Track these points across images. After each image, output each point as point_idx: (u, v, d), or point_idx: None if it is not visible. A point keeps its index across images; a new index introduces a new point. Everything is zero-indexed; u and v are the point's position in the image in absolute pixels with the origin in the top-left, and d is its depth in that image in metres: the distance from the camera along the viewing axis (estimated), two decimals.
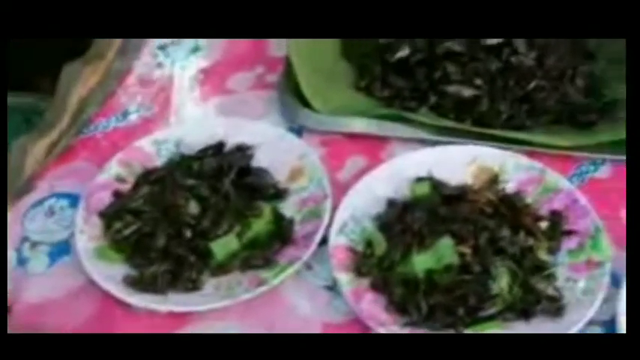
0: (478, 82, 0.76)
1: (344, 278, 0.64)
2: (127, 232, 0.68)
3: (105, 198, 0.72)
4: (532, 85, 0.75)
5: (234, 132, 0.76)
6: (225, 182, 0.71)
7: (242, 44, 0.89)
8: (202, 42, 0.89)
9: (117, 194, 0.71)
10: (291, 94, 0.79)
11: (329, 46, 0.83)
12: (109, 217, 0.69)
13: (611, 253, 0.64)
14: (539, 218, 0.67)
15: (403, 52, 0.79)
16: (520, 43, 0.76)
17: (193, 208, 0.69)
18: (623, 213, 0.69)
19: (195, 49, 0.88)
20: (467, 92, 0.76)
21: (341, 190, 0.71)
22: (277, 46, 0.87)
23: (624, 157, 0.71)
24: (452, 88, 0.76)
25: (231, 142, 0.75)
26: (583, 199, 0.67)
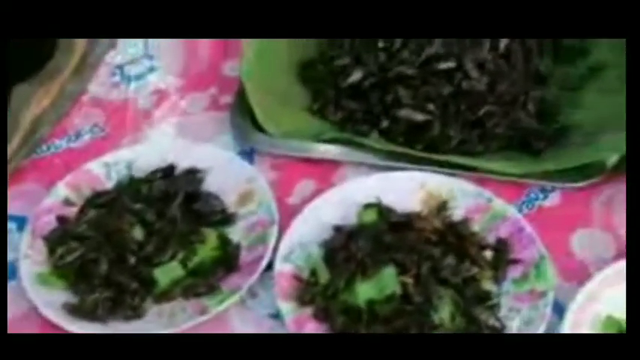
0: (430, 106, 0.75)
1: (287, 307, 0.63)
2: (70, 258, 0.67)
3: (51, 222, 0.71)
4: (483, 110, 0.75)
5: (185, 155, 0.75)
6: (172, 207, 0.70)
7: (197, 64, 0.88)
8: (158, 62, 0.88)
9: (61, 219, 0.70)
10: (244, 117, 0.79)
11: (283, 69, 0.83)
12: (53, 242, 0.69)
13: (555, 283, 0.64)
14: (484, 247, 0.66)
15: (356, 76, 0.78)
16: (471, 68, 0.76)
17: (138, 233, 0.68)
18: (570, 241, 0.69)
19: (151, 69, 0.88)
20: (418, 117, 0.75)
21: (290, 214, 0.70)
22: (231, 67, 0.87)
23: (573, 185, 0.71)
24: (403, 113, 0.75)
25: (182, 165, 0.75)
26: (529, 228, 0.67)
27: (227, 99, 0.83)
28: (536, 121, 0.75)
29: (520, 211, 0.71)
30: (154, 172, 0.74)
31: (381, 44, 0.79)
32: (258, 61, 0.82)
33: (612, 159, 0.70)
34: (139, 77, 0.87)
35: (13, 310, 0.67)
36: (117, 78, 0.87)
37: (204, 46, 0.90)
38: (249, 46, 0.83)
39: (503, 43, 0.78)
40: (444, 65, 0.76)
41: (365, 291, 0.62)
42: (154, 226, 0.68)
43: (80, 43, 0.87)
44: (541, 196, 0.72)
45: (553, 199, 0.72)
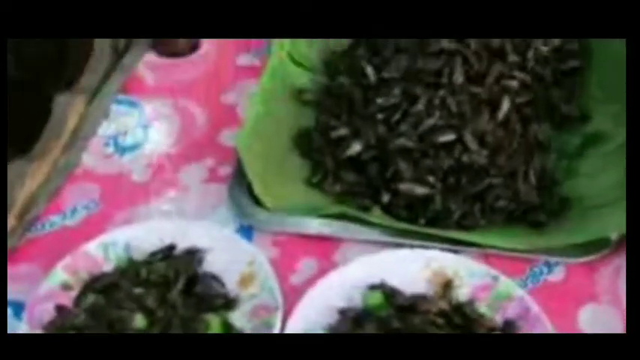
0: (431, 179, 0.75)
1: None
2: None
3: (49, 310, 0.69)
4: (484, 183, 0.74)
5: (183, 234, 0.74)
6: (173, 293, 0.69)
7: (194, 133, 0.88)
8: (153, 131, 0.88)
9: (60, 309, 0.69)
10: (242, 190, 0.78)
11: (280, 139, 0.82)
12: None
13: None
14: (492, 329, 0.66)
15: (355, 148, 0.78)
16: (471, 141, 0.75)
17: (139, 322, 0.67)
18: (578, 316, 0.69)
19: (146, 139, 0.87)
20: (420, 190, 0.75)
21: (294, 295, 0.69)
22: (228, 136, 0.86)
23: (577, 260, 0.71)
24: (404, 186, 0.75)
25: (181, 244, 0.74)
26: (535, 307, 0.66)
27: (226, 170, 0.82)
28: (537, 192, 0.75)
29: (525, 285, 0.70)
30: (153, 254, 0.73)
31: (380, 116, 0.79)
32: (255, 129, 0.81)
33: (615, 232, 0.70)
34: (134, 148, 0.86)
35: None
36: (110, 149, 0.86)
37: (201, 113, 0.90)
38: (245, 113, 0.82)
39: (501, 112, 0.78)
40: (443, 138, 0.76)
41: None
42: (156, 314, 0.67)
43: (72, 116, 0.86)
44: (546, 270, 0.72)
45: (559, 273, 0.72)
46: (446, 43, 0.81)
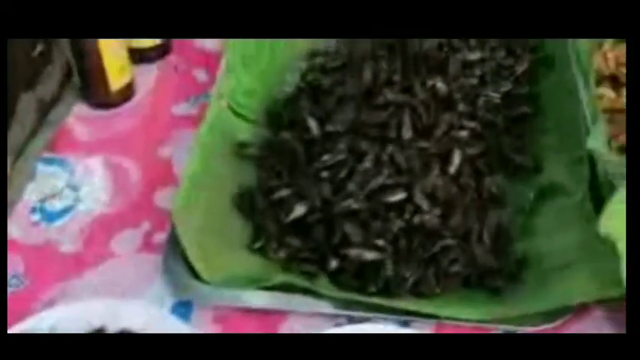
0: (380, 243, 0.70)
1: None
2: None
3: None
4: (438, 246, 0.70)
5: (114, 314, 0.68)
6: None
7: (128, 193, 0.82)
8: (84, 193, 0.82)
9: None
10: (179, 261, 0.72)
11: (219, 203, 0.76)
12: None
13: None
14: None
15: (299, 211, 0.73)
16: (421, 199, 0.71)
17: None
18: None
19: (76, 203, 0.81)
20: (369, 255, 0.70)
21: None
22: (165, 196, 0.80)
23: (535, 328, 0.66)
24: (353, 252, 0.70)
25: (112, 326, 0.67)
26: None
27: (162, 236, 0.76)
28: (493, 254, 0.71)
29: None
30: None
31: (324, 174, 0.74)
32: (191, 190, 0.75)
33: (578, 300, 0.66)
34: (62, 214, 0.80)
35: None
36: (37, 217, 0.80)
37: (135, 169, 0.84)
38: (182, 170, 0.76)
39: (453, 165, 0.74)
40: (393, 197, 0.71)
41: None
42: None
43: None
44: None
45: None
46: (392, 95, 0.76)
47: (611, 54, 0.84)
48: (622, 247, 0.61)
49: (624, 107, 0.80)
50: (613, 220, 0.62)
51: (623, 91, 0.80)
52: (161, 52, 0.97)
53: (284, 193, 0.75)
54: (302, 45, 0.92)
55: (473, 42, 0.86)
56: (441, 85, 0.78)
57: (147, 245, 0.77)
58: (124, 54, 0.90)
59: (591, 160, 0.73)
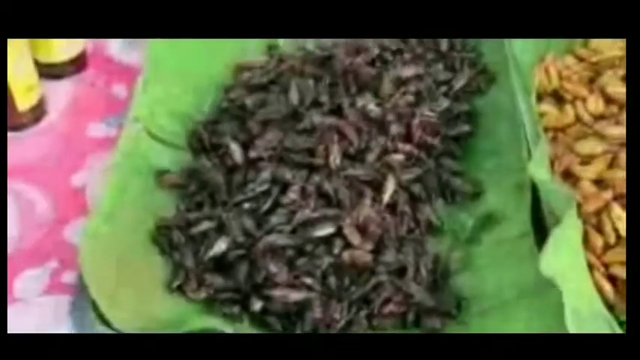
0: (308, 281, 0.64)
1: None
2: None
3: None
4: (370, 284, 0.64)
5: None
6: None
7: (35, 227, 0.74)
8: None
9: None
10: (88, 305, 0.65)
11: (135, 237, 0.69)
12: None
13: None
14: None
15: (220, 247, 0.67)
16: (351, 233, 0.65)
17: None
18: None
19: None
20: (295, 296, 0.64)
21: None
22: (77, 230, 0.73)
23: None
24: (277, 293, 0.64)
25: None
26: None
27: (71, 277, 0.70)
28: (431, 291, 0.65)
29: None
30: None
31: (247, 206, 0.68)
32: (103, 224, 0.68)
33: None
34: None
35: None
36: None
37: (44, 200, 0.77)
38: (94, 201, 0.69)
39: (386, 194, 0.69)
40: (320, 232, 0.65)
41: None
42: None
43: None
44: None
45: None
46: (319, 118, 0.70)
47: (553, 68, 0.80)
48: (567, 287, 0.56)
49: (568, 125, 0.75)
50: (557, 257, 0.57)
51: (567, 109, 0.76)
52: (76, 67, 0.90)
53: (204, 226, 0.68)
54: (227, 58, 0.86)
55: (407, 56, 0.81)
56: (372, 107, 0.72)
57: (54, 287, 0.70)
58: (32, 69, 0.82)
59: (534, 185, 0.68)
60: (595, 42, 0.83)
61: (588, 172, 0.69)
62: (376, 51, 0.79)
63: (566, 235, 0.59)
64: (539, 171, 0.64)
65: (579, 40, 0.84)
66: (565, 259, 0.58)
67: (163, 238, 0.70)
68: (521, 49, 0.80)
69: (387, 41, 0.81)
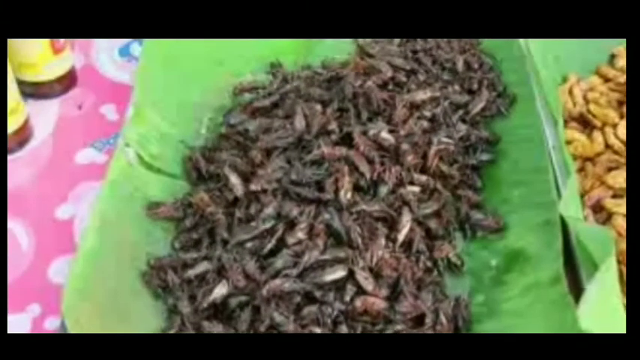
0: (317, 331, 0.58)
1: None
2: None
3: None
4: (388, 332, 0.58)
5: None
6: None
7: (17, 267, 0.68)
8: None
9: None
10: None
11: (125, 278, 0.63)
12: None
13: None
14: None
15: (219, 292, 0.60)
16: (364, 278, 0.59)
17: None
18: None
19: None
20: None
21: None
22: (62, 270, 0.67)
23: None
24: None
25: None
26: None
27: (54, 323, 0.64)
28: None
29: None
30: None
31: (249, 245, 0.62)
32: (89, 266, 0.61)
33: None
34: None
35: None
36: None
37: (28, 236, 0.71)
38: (81, 238, 0.63)
39: (401, 232, 0.63)
40: (330, 276, 0.59)
41: None
42: None
43: None
44: None
45: None
46: (328, 148, 0.64)
47: (577, 89, 0.74)
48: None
49: (597, 154, 0.69)
50: (597, 308, 0.51)
51: (596, 136, 0.70)
52: (64, 86, 0.84)
53: (202, 268, 0.62)
54: (225, 78, 0.79)
55: (421, 77, 0.75)
56: (385, 136, 0.66)
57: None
58: (15, 90, 0.76)
59: (562, 222, 0.62)
60: (622, 61, 0.77)
61: (622, 207, 0.63)
62: (389, 73, 0.73)
63: (605, 283, 0.53)
64: (571, 210, 0.58)
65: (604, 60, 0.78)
66: (604, 307, 0.52)
67: (156, 280, 0.64)
68: (541, 65, 0.74)
69: (399, 61, 0.75)
